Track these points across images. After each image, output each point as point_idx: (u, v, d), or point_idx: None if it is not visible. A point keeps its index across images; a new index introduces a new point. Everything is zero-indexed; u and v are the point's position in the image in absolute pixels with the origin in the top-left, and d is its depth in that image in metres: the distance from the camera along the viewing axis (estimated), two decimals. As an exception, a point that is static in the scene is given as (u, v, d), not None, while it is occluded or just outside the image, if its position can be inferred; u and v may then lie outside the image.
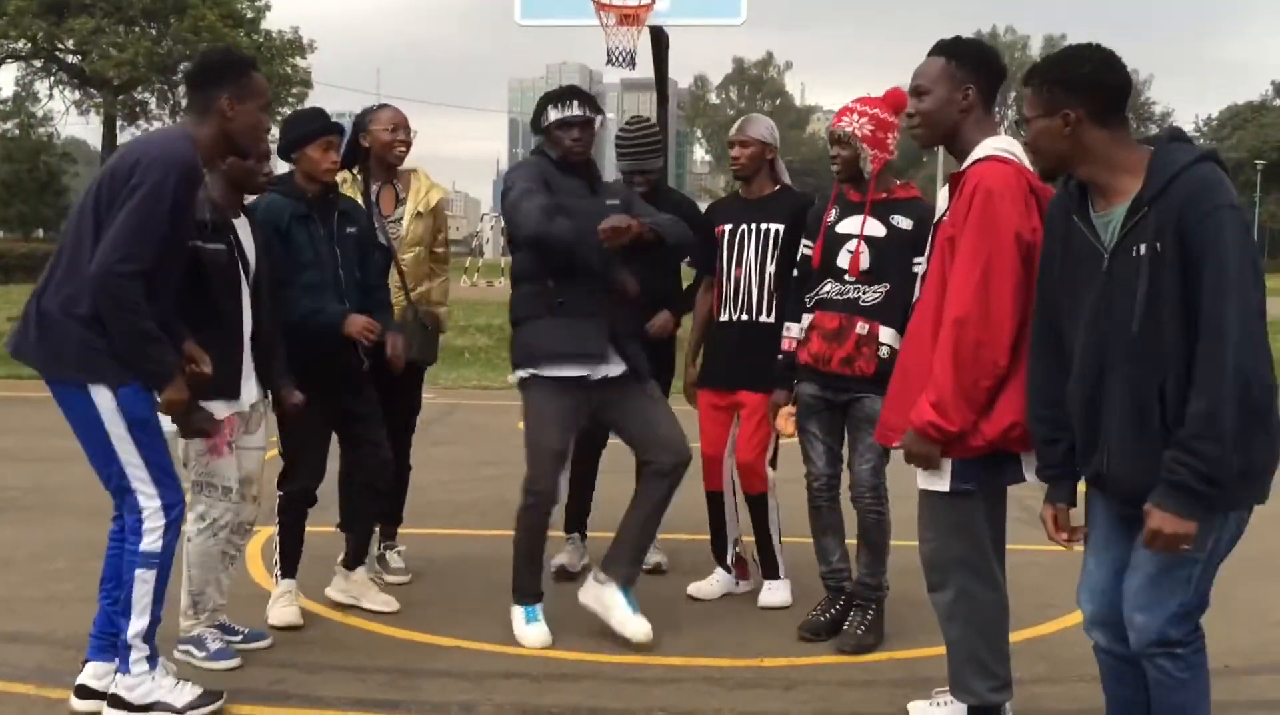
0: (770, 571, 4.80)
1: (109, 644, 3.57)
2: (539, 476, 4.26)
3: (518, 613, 4.33)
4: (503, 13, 10.30)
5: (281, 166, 4.42)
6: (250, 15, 38.66)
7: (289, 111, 41.59)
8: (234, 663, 3.94)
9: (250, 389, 3.97)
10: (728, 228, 4.70)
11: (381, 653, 4.17)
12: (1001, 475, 3.22)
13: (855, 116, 4.21)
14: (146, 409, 3.41)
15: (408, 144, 4.82)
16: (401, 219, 4.84)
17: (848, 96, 4.51)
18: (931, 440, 3.11)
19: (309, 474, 4.39)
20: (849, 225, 4.23)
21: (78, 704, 3.57)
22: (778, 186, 4.75)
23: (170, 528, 3.46)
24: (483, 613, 4.62)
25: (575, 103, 4.33)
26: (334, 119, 4.39)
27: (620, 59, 9.91)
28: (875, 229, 4.18)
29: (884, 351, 4.08)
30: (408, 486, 5.13)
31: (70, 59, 38.96)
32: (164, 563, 3.46)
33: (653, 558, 5.06)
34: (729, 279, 4.67)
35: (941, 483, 3.19)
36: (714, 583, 4.93)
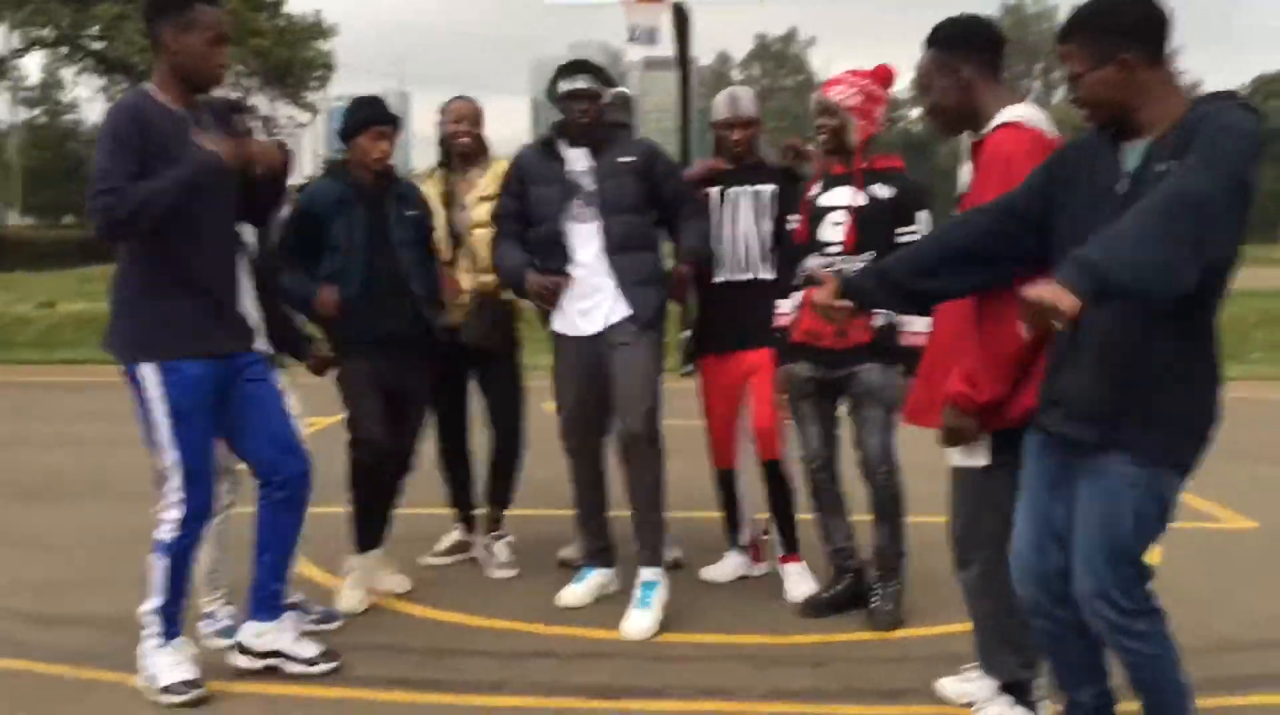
0: (792, 546, 4.68)
1: (264, 604, 3.73)
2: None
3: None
4: (525, -8, 10.29)
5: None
6: (271, -1, 38.68)
7: (310, 96, 41.78)
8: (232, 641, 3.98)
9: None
10: (715, 190, 4.63)
11: (414, 632, 4.20)
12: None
13: (845, 87, 4.18)
14: (189, 400, 3.45)
15: (470, 134, 4.82)
16: (468, 206, 4.83)
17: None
18: (964, 412, 3.09)
19: (366, 437, 4.39)
20: (832, 197, 4.19)
21: (234, 659, 3.76)
22: (761, 160, 4.69)
23: (185, 525, 3.51)
24: (513, 592, 4.65)
25: (582, 76, 4.39)
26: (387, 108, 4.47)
27: (642, 37, 9.90)
28: (858, 199, 4.15)
29: (878, 320, 4.06)
30: (514, 472, 5.05)
31: (95, 45, 39.13)
32: (176, 554, 3.52)
33: (670, 553, 4.96)
34: (722, 240, 4.58)
35: (980, 458, 3.16)
36: (727, 565, 4.87)
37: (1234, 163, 2.45)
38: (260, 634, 3.75)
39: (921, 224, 4.14)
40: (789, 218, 4.37)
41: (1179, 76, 2.70)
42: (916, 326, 3.93)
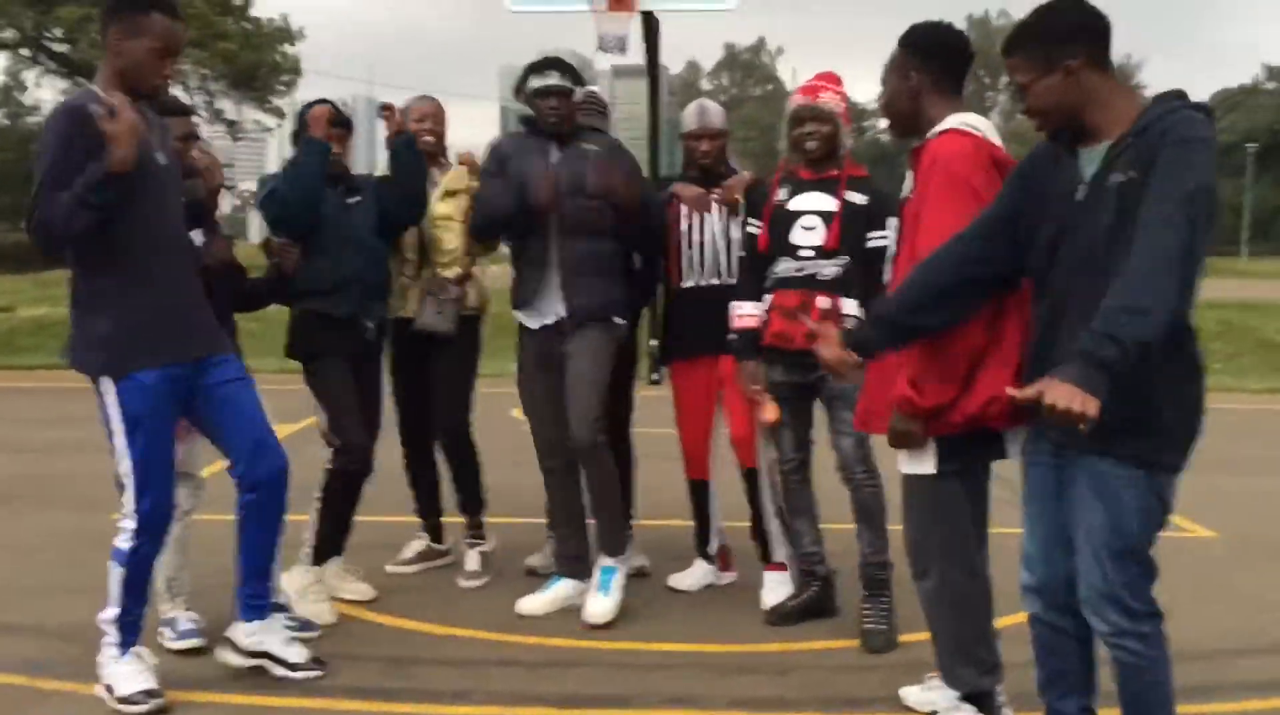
0: (769, 554, 4.66)
1: (249, 605, 3.73)
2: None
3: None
4: (493, 0, 10.26)
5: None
6: (239, 2, 38.39)
7: (279, 101, 41.50)
8: (197, 642, 3.95)
9: None
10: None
11: (375, 641, 4.16)
12: (985, 453, 3.22)
13: (830, 94, 4.20)
14: (143, 407, 3.41)
15: (434, 133, 4.84)
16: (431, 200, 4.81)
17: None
18: (909, 416, 3.10)
19: (358, 443, 4.40)
20: (803, 202, 4.19)
21: (221, 654, 3.77)
22: (725, 168, 4.70)
23: (140, 534, 3.46)
24: (477, 600, 4.61)
25: (554, 72, 4.38)
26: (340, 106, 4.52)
27: (611, 45, 9.88)
28: (831, 204, 4.16)
29: (849, 322, 4.03)
30: (478, 472, 5.00)
31: (58, 48, 38.73)
32: (132, 565, 3.48)
33: (634, 561, 4.96)
34: (691, 245, 4.59)
35: (927, 465, 3.18)
36: (694, 574, 4.85)
37: (1201, 178, 2.48)
38: (250, 634, 3.73)
39: (891, 230, 4.12)
40: (749, 221, 4.36)
41: (1129, 81, 2.72)
42: None
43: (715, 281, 4.56)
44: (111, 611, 3.51)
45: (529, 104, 4.47)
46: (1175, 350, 2.59)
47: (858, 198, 4.16)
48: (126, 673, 3.50)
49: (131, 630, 3.54)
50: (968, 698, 3.32)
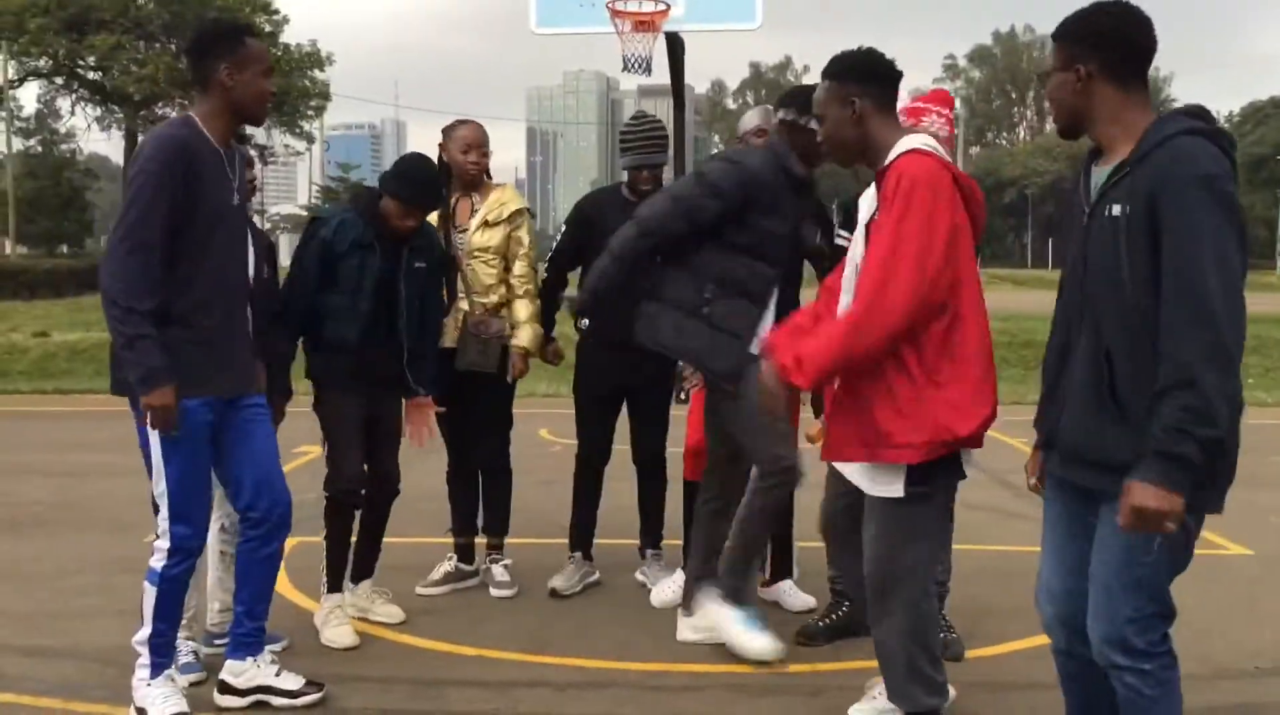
0: (788, 570, 4.73)
1: (241, 643, 3.75)
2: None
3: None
4: (519, 21, 10.33)
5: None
6: (269, 29, 38.90)
7: (307, 124, 41.82)
8: (199, 675, 3.93)
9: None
10: None
11: (405, 663, 4.17)
12: (950, 475, 3.22)
13: (935, 116, 4.10)
14: (184, 432, 3.41)
15: (480, 164, 4.83)
16: (470, 229, 4.83)
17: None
18: (779, 381, 3.14)
19: (349, 475, 4.36)
20: None
21: (219, 699, 3.74)
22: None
23: (173, 555, 3.49)
24: (505, 621, 4.62)
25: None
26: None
27: (636, 66, 9.90)
28: None
29: None
30: (509, 497, 5.07)
31: (91, 75, 39.31)
32: (165, 586, 3.51)
33: (638, 577, 4.97)
34: None
35: (896, 488, 3.15)
36: (675, 582, 4.77)
37: (1228, 261, 2.44)
38: (240, 672, 3.73)
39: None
40: (840, 233, 4.32)
41: (1159, 95, 2.68)
42: None
43: None
44: (144, 632, 3.54)
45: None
46: None
47: None
48: (159, 695, 3.53)
49: (163, 651, 3.56)
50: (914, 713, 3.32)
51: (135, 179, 3.34)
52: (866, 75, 3.25)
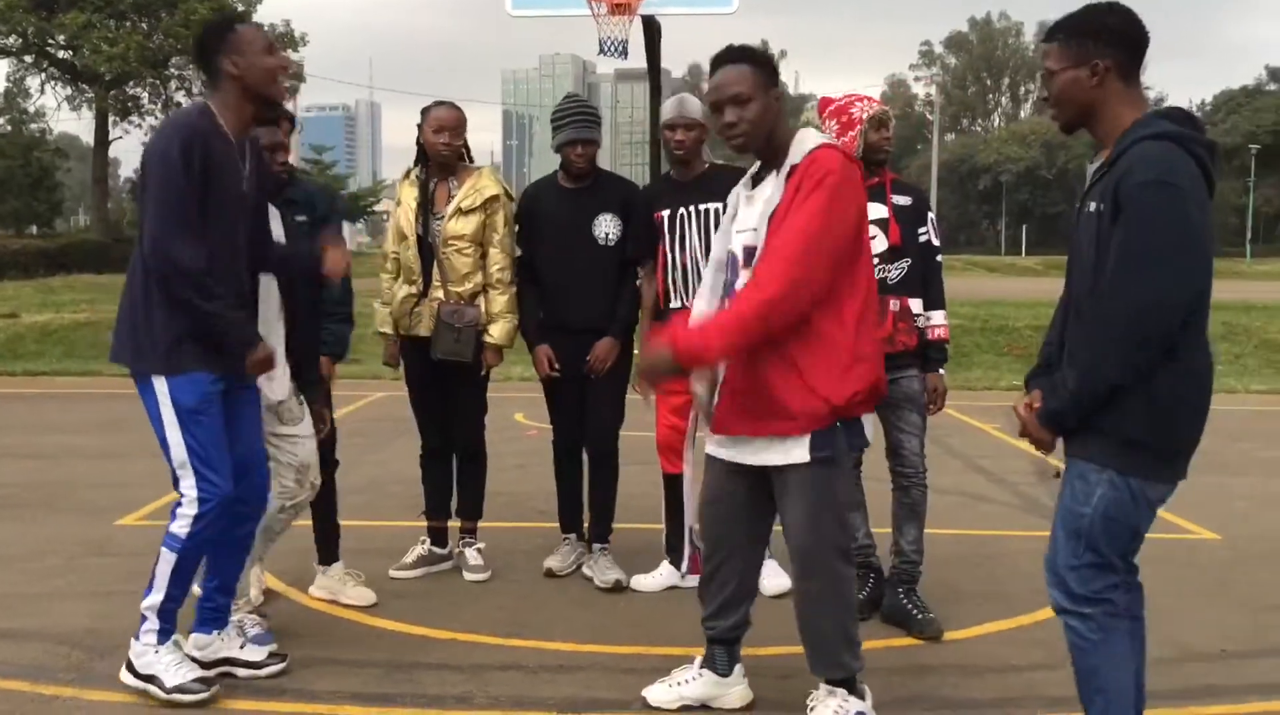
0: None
1: (208, 617, 3.79)
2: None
3: None
4: (494, 4, 10.28)
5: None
6: (241, 8, 38.48)
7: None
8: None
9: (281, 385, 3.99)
10: (666, 213, 4.66)
11: (376, 646, 4.16)
12: (850, 438, 3.26)
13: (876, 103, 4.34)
14: (195, 399, 3.47)
15: (451, 145, 4.75)
16: (445, 217, 4.77)
17: (844, 84, 4.60)
18: (680, 359, 3.09)
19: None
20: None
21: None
22: (707, 164, 4.74)
23: (200, 520, 3.51)
24: (478, 605, 4.61)
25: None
26: (294, 113, 4.45)
27: (612, 49, 9.89)
28: (882, 211, 4.24)
29: (920, 321, 4.26)
30: (483, 481, 5.06)
31: (61, 54, 38.80)
32: (185, 549, 3.53)
33: (610, 575, 4.83)
34: (675, 265, 4.61)
35: (798, 454, 3.20)
36: (658, 576, 4.83)
37: (1168, 246, 2.51)
38: (205, 645, 3.77)
39: (929, 224, 4.38)
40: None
41: (1142, 96, 2.75)
42: (936, 319, 4.29)
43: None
44: (155, 598, 3.55)
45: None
46: (1167, 360, 2.59)
47: (902, 199, 4.32)
48: (170, 661, 3.56)
49: (170, 618, 3.59)
50: (842, 683, 3.36)
51: (157, 168, 3.39)
52: (775, 71, 3.31)
